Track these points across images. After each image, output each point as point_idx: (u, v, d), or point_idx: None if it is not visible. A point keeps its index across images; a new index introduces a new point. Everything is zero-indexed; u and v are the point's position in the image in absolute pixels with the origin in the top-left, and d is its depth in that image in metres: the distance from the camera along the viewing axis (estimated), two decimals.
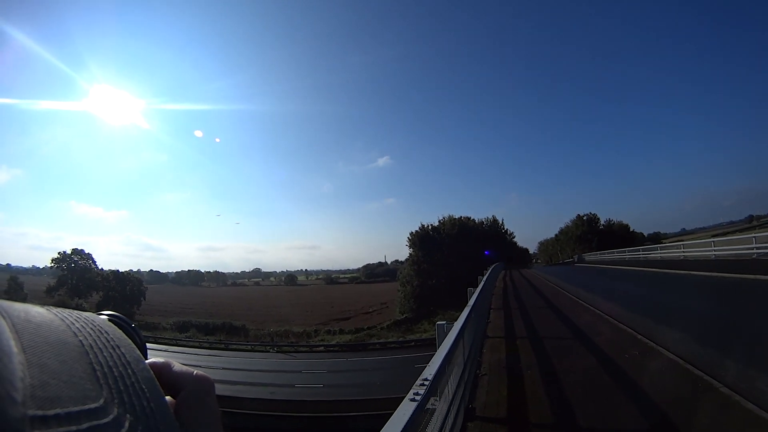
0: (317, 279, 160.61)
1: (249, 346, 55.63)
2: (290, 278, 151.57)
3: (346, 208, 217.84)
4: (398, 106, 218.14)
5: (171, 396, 0.62)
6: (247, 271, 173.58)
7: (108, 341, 0.55)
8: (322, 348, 53.19)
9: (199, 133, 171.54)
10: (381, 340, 54.14)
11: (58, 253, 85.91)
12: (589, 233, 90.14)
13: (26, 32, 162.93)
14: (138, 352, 0.58)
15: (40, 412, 0.40)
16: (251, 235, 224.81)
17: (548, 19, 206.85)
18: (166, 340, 60.45)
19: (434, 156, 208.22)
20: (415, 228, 79.74)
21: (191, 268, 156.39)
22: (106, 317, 0.65)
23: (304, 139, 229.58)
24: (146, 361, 0.58)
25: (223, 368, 41.81)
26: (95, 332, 0.56)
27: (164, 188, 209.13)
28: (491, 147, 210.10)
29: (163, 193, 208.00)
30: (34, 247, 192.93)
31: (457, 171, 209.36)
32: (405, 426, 2.53)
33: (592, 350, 10.20)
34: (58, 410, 0.42)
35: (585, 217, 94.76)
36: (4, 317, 0.49)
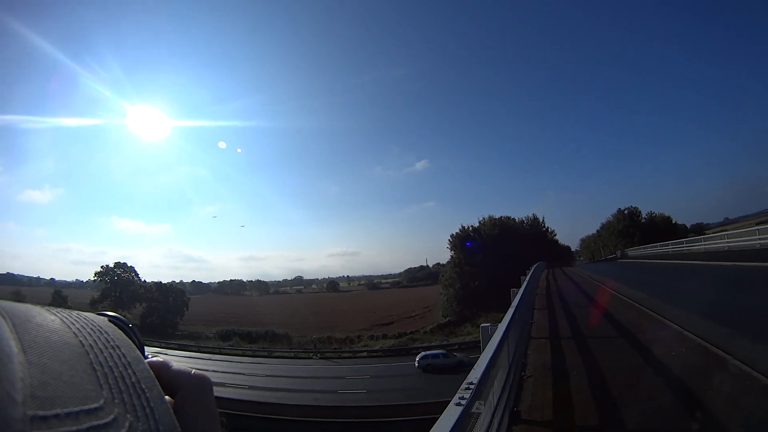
0: (359, 285, 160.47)
1: (292, 353, 56.23)
2: (332, 285, 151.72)
3: (386, 213, 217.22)
4: (434, 110, 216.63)
5: (170, 395, 0.62)
6: (289, 279, 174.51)
7: (108, 341, 0.55)
8: (365, 353, 53.46)
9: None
10: (424, 344, 53.94)
11: (102, 266, 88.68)
12: (630, 227, 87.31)
13: (70, 56, 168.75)
14: (138, 352, 0.58)
15: (40, 412, 0.40)
16: (293, 244, 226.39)
17: (586, 14, 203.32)
18: (209, 349, 61.69)
19: (472, 157, 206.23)
20: (456, 230, 79.38)
21: (233, 278, 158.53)
22: (106, 318, 0.65)
23: (341, 148, 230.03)
24: (145, 361, 0.58)
25: (267, 375, 42.36)
26: (95, 332, 0.56)
27: (204, 201, 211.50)
28: (529, 144, 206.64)
29: (203, 205, 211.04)
30: (78, 262, 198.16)
31: (495, 171, 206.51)
32: (450, 431, 2.48)
33: (638, 349, 9.92)
34: (58, 410, 0.42)
35: (626, 211, 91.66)
36: (4, 318, 0.49)
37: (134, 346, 0.59)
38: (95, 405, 0.45)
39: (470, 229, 78.25)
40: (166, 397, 0.58)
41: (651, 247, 56.35)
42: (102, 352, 0.53)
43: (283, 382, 39.37)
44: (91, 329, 0.57)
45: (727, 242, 31.77)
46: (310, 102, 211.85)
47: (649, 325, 12.33)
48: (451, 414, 2.68)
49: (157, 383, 0.55)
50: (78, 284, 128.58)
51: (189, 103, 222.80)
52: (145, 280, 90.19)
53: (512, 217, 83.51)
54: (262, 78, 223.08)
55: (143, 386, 0.52)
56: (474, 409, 3.51)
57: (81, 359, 0.50)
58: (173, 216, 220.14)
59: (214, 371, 46.07)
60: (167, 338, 70.25)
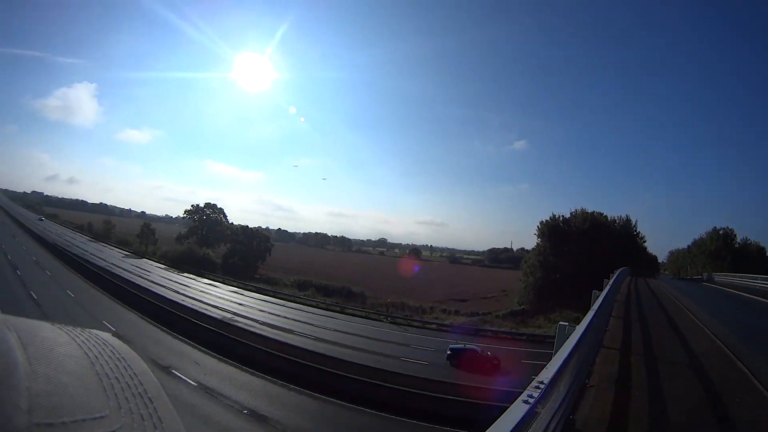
0: (441, 256, 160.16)
1: (364, 313, 56.95)
2: (415, 252, 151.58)
3: (478, 188, 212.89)
4: (539, 89, 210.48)
5: None
6: (373, 240, 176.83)
7: (113, 353, 0.57)
8: (434, 326, 53.19)
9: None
10: (494, 328, 53.35)
11: (192, 205, 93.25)
12: (723, 250, 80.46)
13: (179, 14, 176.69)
14: (144, 364, 0.59)
15: (46, 421, 0.41)
16: (382, 206, 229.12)
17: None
18: (284, 296, 64.02)
19: (571, 144, 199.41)
20: (546, 217, 76.75)
21: (318, 231, 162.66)
22: (110, 333, 0.66)
23: (444, 116, 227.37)
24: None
25: (335, 330, 43.48)
26: (100, 345, 0.58)
27: (300, 153, 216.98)
28: (633, 142, 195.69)
29: (298, 157, 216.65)
30: (169, 199, 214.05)
31: (594, 163, 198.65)
32: (514, 427, 2.43)
33: (703, 383, 9.57)
34: (64, 419, 0.43)
35: (721, 232, 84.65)
36: (10, 330, 0.51)
37: (140, 359, 0.60)
38: (101, 414, 0.46)
39: (560, 218, 75.44)
40: None
41: (738, 277, 52.34)
42: (108, 363, 0.54)
43: (350, 340, 40.18)
44: (96, 342, 0.58)
45: None
46: (418, 64, 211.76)
47: (723, 366, 11.63)
48: (517, 410, 2.69)
49: (164, 393, 0.57)
50: (167, 219, 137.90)
51: (294, 55, 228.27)
52: (232, 222, 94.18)
53: (604, 213, 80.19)
54: (373, 31, 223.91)
55: (150, 396, 0.53)
56: (536, 409, 3.45)
57: (86, 370, 0.51)
58: (267, 165, 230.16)
59: (285, 317, 47.93)
60: (246, 280, 73.32)
